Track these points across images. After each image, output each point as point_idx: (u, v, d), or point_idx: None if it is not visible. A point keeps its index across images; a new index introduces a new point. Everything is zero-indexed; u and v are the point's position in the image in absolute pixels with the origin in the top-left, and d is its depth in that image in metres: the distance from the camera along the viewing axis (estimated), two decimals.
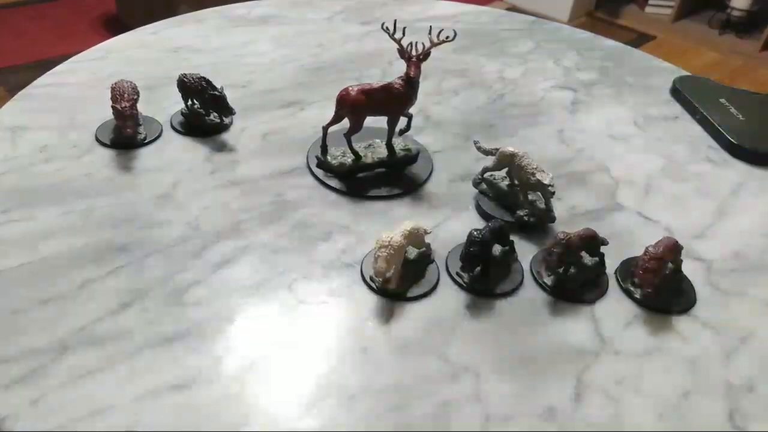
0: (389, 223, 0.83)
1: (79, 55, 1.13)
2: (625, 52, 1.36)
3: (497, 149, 0.84)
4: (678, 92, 1.19)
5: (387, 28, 0.86)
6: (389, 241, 0.70)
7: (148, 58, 1.15)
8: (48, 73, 1.06)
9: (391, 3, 1.47)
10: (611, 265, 0.78)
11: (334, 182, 0.88)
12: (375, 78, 1.14)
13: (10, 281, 0.70)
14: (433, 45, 0.85)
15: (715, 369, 0.68)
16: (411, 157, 0.92)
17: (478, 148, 0.87)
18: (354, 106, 0.86)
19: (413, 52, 0.85)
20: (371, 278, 0.73)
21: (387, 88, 0.86)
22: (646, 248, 0.74)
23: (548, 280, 0.75)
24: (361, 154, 0.90)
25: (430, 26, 0.83)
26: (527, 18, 1.49)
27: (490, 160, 0.86)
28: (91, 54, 1.14)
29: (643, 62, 1.32)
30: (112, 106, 0.88)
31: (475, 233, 0.72)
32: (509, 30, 1.41)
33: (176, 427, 0.58)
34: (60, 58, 1.11)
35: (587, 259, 0.76)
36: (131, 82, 0.90)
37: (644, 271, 0.73)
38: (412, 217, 0.84)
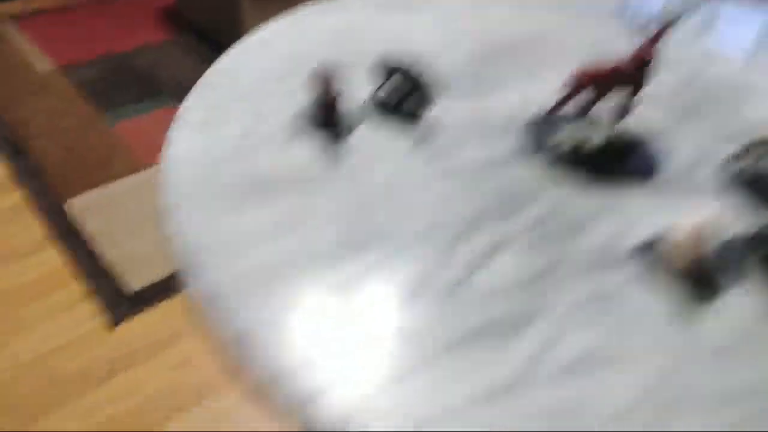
0: (644, 213, 0.75)
1: (239, 44, 1.06)
2: None
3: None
4: None
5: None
6: (696, 226, 0.63)
7: (317, 40, 1.07)
8: (218, 61, 0.99)
9: None
10: None
11: (561, 168, 0.81)
12: (552, 62, 1.07)
13: (262, 279, 0.63)
14: (670, 24, 0.78)
15: None
16: (638, 141, 0.85)
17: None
18: (585, 86, 0.80)
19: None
20: (666, 268, 0.66)
21: (620, 69, 0.80)
22: None
23: None
24: (583, 137, 0.83)
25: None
26: None
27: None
28: (253, 41, 1.07)
29: None
30: (318, 95, 0.81)
31: None
32: None
33: None
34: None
35: None
36: (331, 67, 0.83)
37: None
38: (663, 206, 0.76)
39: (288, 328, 0.59)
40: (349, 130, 0.84)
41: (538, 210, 0.75)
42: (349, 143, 0.82)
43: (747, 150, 0.77)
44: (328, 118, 0.82)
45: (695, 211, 0.67)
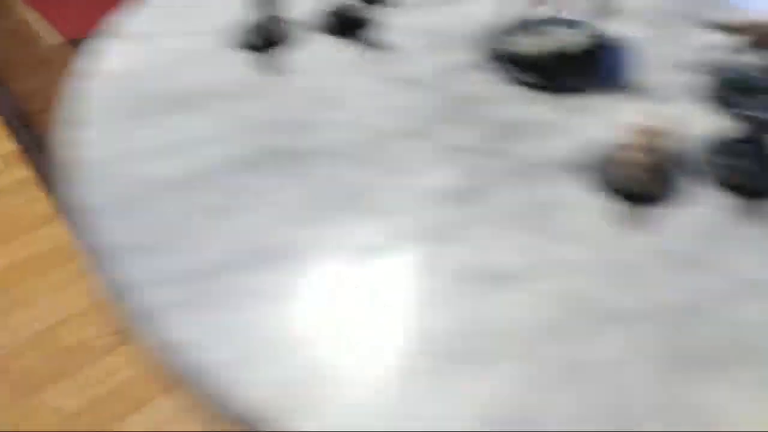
0: (604, 119, 0.67)
1: None
2: None
3: (741, 23, 0.67)
4: None
5: None
6: (648, 129, 0.54)
7: None
8: None
9: None
10: None
11: (521, 76, 0.72)
12: None
13: (170, 189, 0.57)
14: None
15: None
16: (607, 45, 0.76)
17: (710, 26, 0.70)
18: None
19: None
20: (611, 180, 0.58)
21: None
22: None
23: None
24: (549, 40, 0.75)
25: None
26: None
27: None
28: None
29: None
30: (259, 8, 0.75)
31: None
32: None
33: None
34: None
35: None
36: None
37: None
38: (628, 112, 0.67)
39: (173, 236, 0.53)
40: (290, 43, 0.77)
41: (491, 118, 0.67)
42: (289, 57, 0.76)
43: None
44: (268, 32, 0.76)
45: (651, 113, 0.58)
